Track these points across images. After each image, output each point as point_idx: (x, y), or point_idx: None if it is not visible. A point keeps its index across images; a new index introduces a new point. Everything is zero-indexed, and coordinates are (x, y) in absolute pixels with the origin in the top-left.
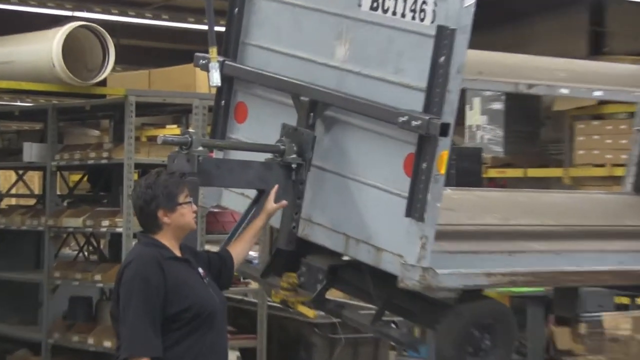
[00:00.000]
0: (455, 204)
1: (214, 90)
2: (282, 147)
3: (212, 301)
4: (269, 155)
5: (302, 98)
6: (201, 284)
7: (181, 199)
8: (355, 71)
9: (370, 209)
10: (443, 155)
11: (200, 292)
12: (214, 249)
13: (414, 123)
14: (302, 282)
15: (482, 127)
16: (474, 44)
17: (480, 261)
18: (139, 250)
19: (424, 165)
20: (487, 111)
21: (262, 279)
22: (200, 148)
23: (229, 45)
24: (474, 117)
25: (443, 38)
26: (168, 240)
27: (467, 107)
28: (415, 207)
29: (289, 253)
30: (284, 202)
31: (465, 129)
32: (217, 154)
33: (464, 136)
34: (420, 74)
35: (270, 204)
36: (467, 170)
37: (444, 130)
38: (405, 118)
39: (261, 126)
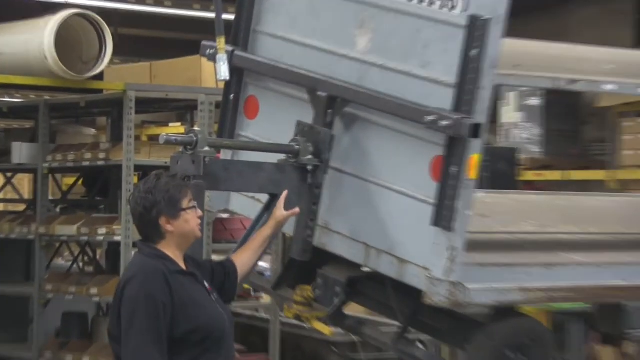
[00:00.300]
0: (488, 209)
1: (221, 85)
2: (297, 147)
3: (221, 320)
4: (282, 156)
5: (319, 93)
6: (209, 301)
7: (185, 204)
8: (378, 64)
9: (393, 216)
10: (474, 158)
11: (209, 310)
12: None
13: (442, 123)
14: (318, 296)
15: (518, 125)
16: (508, 33)
17: (514, 274)
18: (141, 262)
19: (453, 169)
20: (524, 107)
21: (274, 291)
22: (207, 148)
23: (239, 34)
24: (509, 114)
25: (475, 29)
26: (172, 250)
27: (502, 102)
28: (443, 216)
29: (304, 264)
30: (296, 209)
31: (499, 127)
32: (225, 155)
33: (497, 135)
34: (450, 69)
35: (280, 211)
36: (502, 173)
37: (475, 131)
38: (432, 117)
39: (274, 123)
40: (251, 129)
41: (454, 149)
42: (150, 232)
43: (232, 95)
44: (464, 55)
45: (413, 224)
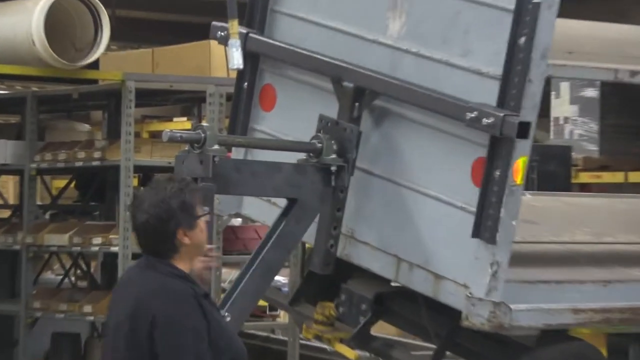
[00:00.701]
0: (537, 214)
1: (233, 74)
2: (319, 145)
3: (244, 351)
4: (302, 155)
5: (345, 83)
6: (230, 328)
7: (199, 210)
8: (412, 51)
9: (428, 225)
10: (521, 161)
11: (235, 340)
12: (234, 272)
13: (485, 121)
14: (341, 314)
15: (572, 120)
16: (560, 14)
17: (565, 293)
18: (160, 281)
19: (497, 173)
20: (578, 99)
21: (292, 307)
22: (216, 146)
23: (255, 14)
24: (562, 106)
25: (524, 14)
26: (186, 266)
27: (553, 94)
28: (485, 226)
29: (325, 277)
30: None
31: (550, 121)
32: (237, 154)
33: (548, 131)
34: (494, 58)
35: None
36: (553, 175)
37: (522, 130)
38: (474, 114)
39: (293, 116)
40: (267, 123)
41: (498, 150)
42: (162, 246)
43: (245, 84)
44: (510, 43)
45: (451, 235)
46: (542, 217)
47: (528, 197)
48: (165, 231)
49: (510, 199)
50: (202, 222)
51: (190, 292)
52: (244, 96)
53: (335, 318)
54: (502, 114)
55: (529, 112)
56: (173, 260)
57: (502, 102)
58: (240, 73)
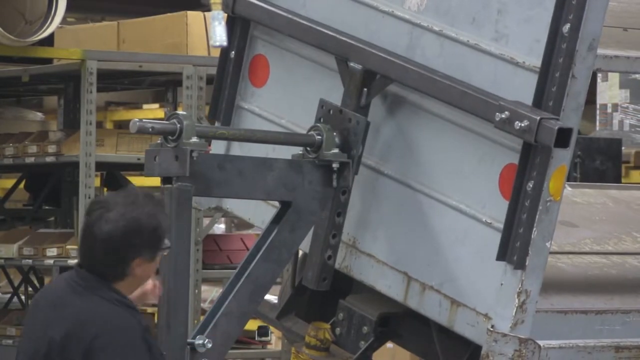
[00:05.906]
0: (576, 213)
1: (215, 53)
2: (319, 137)
3: None
4: (297, 150)
5: (351, 64)
6: None
7: (166, 242)
8: (434, 30)
9: (446, 240)
10: (559, 171)
11: None
12: (216, 290)
13: (517, 124)
14: (339, 336)
15: (622, 107)
16: None
17: (607, 325)
18: (104, 310)
19: (530, 185)
20: (630, 83)
21: (279, 322)
22: (195, 139)
23: None
24: (610, 92)
25: None
26: (127, 293)
27: (599, 76)
28: (513, 247)
29: (321, 291)
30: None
31: (595, 109)
32: (218, 145)
33: (594, 121)
34: (533, 47)
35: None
36: (599, 173)
37: (562, 138)
38: (505, 115)
39: (289, 95)
40: (257, 100)
41: (532, 158)
42: (110, 269)
43: (233, 53)
44: (552, 30)
45: (472, 255)
46: (583, 216)
47: (568, 190)
48: (124, 254)
49: (544, 217)
50: (159, 258)
51: (138, 327)
52: (231, 67)
53: (330, 342)
54: (538, 117)
55: (570, 116)
56: (115, 284)
57: (539, 101)
58: (227, 40)
